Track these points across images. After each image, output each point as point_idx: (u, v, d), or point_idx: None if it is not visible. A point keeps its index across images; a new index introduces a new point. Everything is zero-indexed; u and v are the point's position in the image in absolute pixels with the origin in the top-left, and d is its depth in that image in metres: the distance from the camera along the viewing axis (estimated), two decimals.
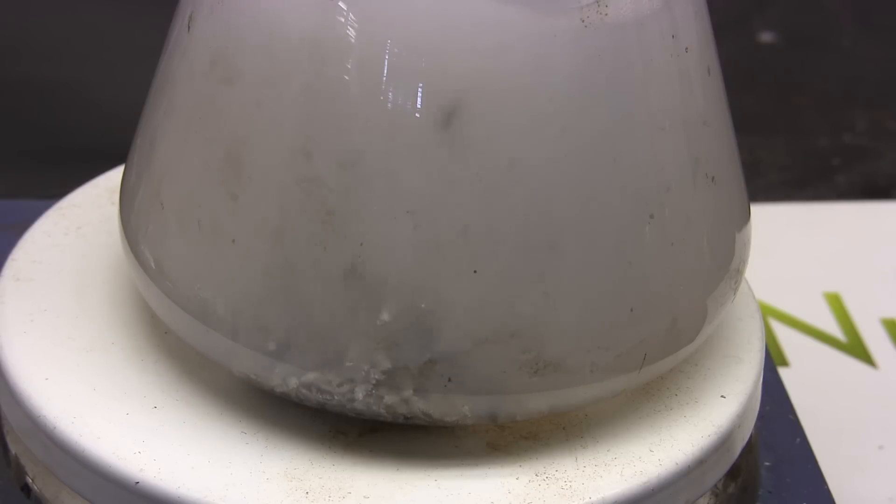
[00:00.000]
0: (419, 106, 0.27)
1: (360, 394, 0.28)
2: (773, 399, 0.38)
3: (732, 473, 0.33)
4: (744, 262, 0.32)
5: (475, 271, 0.27)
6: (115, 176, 0.37)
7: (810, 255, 0.52)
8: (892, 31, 0.73)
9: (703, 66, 0.30)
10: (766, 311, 0.48)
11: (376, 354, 0.28)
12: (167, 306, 0.30)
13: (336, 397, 0.29)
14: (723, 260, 0.31)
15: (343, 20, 0.27)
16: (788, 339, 0.47)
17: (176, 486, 0.28)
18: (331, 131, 0.27)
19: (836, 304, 0.49)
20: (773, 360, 0.40)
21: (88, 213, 0.36)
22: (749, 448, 0.34)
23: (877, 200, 0.58)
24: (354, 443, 0.30)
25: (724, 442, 0.31)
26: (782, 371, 0.43)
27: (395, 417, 0.29)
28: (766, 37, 0.70)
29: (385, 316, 0.27)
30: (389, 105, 0.27)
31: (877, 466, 0.42)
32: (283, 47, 0.27)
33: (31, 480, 0.32)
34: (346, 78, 0.27)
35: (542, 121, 0.27)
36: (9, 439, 0.32)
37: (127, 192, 0.32)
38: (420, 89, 0.27)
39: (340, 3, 0.27)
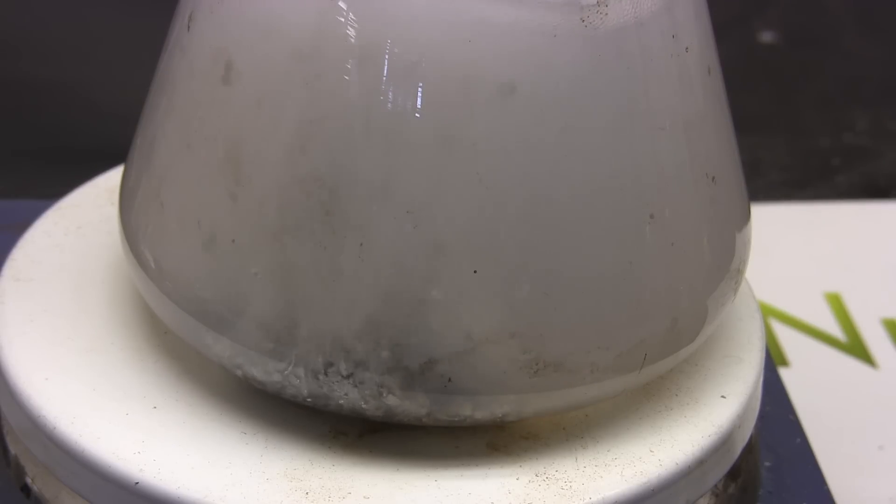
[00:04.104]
0: (419, 106, 0.27)
1: (360, 393, 0.28)
2: (773, 399, 0.38)
3: (732, 474, 0.33)
4: (744, 262, 0.32)
5: (475, 271, 0.27)
6: (115, 176, 0.37)
7: (810, 255, 0.52)
8: (893, 31, 0.73)
9: (703, 66, 0.30)
10: (766, 311, 0.48)
11: (377, 354, 0.28)
12: (167, 306, 0.30)
13: (336, 397, 0.29)
14: (723, 260, 0.31)
15: (343, 20, 0.27)
16: (788, 339, 0.47)
17: (176, 487, 0.28)
18: (330, 131, 0.27)
19: (837, 304, 0.49)
20: (773, 360, 0.40)
21: (88, 213, 0.36)
22: (749, 448, 0.34)
23: (877, 200, 0.58)
24: (354, 443, 0.30)
25: (724, 442, 0.31)
26: (782, 371, 0.43)
27: (395, 417, 0.29)
28: (766, 37, 0.70)
29: (385, 316, 0.27)
30: (389, 105, 0.27)
31: (877, 466, 0.42)
32: (283, 47, 0.27)
33: (30, 481, 0.32)
34: (346, 78, 0.27)
35: (542, 120, 0.27)
36: (9, 439, 0.32)
37: (127, 192, 0.32)
38: (420, 89, 0.27)
39: (340, 3, 0.27)
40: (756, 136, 0.61)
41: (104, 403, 0.30)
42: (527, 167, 0.27)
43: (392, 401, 0.28)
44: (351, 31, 0.27)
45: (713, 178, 0.30)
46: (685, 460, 0.30)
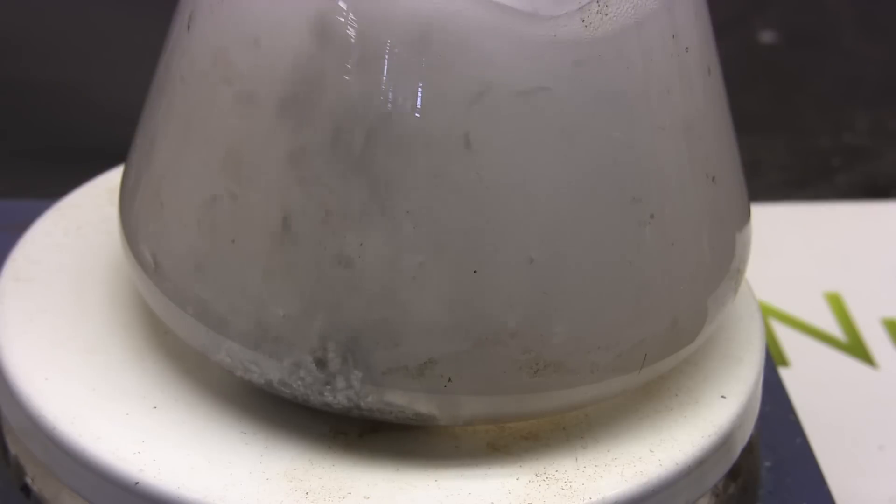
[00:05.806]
0: (418, 106, 0.27)
1: (359, 393, 0.28)
2: (773, 399, 0.38)
3: (733, 474, 0.33)
4: (744, 262, 0.32)
5: (475, 271, 0.27)
6: (114, 176, 0.37)
7: (810, 255, 0.52)
8: (893, 31, 0.73)
9: (703, 66, 0.30)
10: (767, 311, 0.48)
11: (376, 354, 0.28)
12: (167, 306, 0.30)
13: (336, 397, 0.28)
14: (723, 260, 0.31)
15: (343, 20, 0.27)
16: (788, 339, 0.47)
17: (176, 487, 0.28)
18: (330, 131, 0.27)
19: (837, 304, 0.49)
20: (773, 360, 0.40)
21: (88, 213, 0.36)
22: (749, 448, 0.34)
23: (877, 200, 0.58)
24: (354, 443, 0.30)
25: (724, 442, 0.31)
26: (782, 371, 0.43)
27: (395, 417, 0.29)
28: (766, 37, 0.70)
29: (385, 316, 0.27)
30: (389, 106, 0.27)
31: (877, 466, 0.42)
32: (282, 47, 0.27)
33: (30, 480, 0.32)
34: (346, 78, 0.27)
35: (541, 120, 0.27)
36: (9, 439, 0.32)
37: (127, 192, 0.32)
38: (419, 89, 0.27)
39: (340, 3, 0.27)
40: (756, 136, 0.61)
41: (104, 403, 0.30)
42: (527, 167, 0.27)
43: (392, 400, 0.28)
44: (351, 31, 0.27)
45: (713, 178, 0.30)
46: (685, 460, 0.30)
